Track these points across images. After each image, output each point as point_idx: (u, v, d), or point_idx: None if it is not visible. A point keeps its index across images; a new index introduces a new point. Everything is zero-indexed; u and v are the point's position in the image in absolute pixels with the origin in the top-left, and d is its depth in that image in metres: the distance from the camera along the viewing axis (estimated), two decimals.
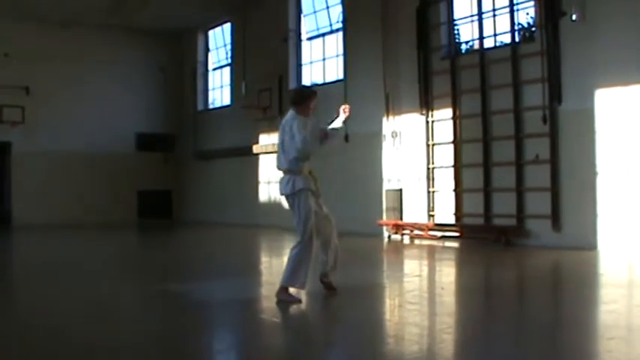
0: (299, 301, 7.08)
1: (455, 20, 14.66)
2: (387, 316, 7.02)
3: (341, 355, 5.46)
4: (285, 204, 7.57)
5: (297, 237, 7.23)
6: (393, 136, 15.47)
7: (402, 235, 14.80)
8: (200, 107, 23.57)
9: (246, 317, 6.67)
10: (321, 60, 18.32)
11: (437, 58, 14.60)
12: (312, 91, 7.65)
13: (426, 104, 14.66)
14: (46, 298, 7.69)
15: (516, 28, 13.36)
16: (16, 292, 8.70)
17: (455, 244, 13.60)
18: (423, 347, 5.44)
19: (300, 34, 18.90)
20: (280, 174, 7.48)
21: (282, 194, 7.42)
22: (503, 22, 13.49)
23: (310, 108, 7.42)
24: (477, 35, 14.06)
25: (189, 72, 23.59)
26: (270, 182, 19.61)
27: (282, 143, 7.31)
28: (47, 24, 21.09)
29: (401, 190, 15.25)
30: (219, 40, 22.87)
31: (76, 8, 20.04)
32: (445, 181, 14.38)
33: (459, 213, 14.07)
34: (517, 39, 13.33)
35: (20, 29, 20.70)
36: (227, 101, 22.20)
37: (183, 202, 23.74)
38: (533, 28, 13.22)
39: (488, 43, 13.91)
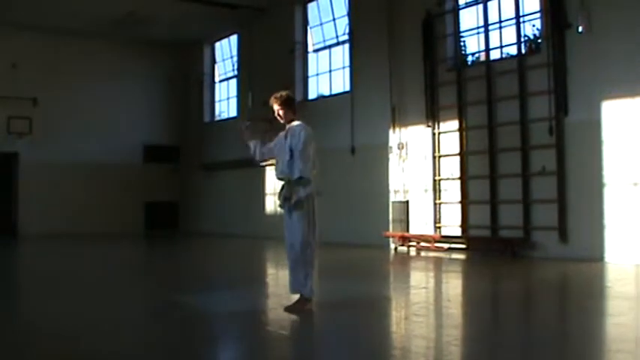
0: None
1: (461, 32, 14.69)
2: (394, 328, 7.00)
3: None
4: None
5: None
6: (399, 148, 15.47)
7: (409, 247, 14.78)
8: (207, 119, 23.63)
9: (252, 329, 6.65)
10: (328, 72, 18.36)
11: (443, 70, 14.62)
12: None
13: (432, 116, 14.67)
14: (53, 309, 7.69)
15: (522, 39, 13.37)
16: (23, 302, 8.70)
17: (461, 256, 13.56)
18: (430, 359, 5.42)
19: (306, 45, 18.95)
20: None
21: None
22: (510, 34, 13.52)
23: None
24: (483, 47, 14.07)
25: (196, 84, 23.66)
26: (276, 194, 19.58)
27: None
28: (55, 36, 21.24)
29: (407, 201, 15.24)
30: (226, 51, 22.97)
31: (84, 20, 20.18)
32: (451, 192, 14.36)
33: (465, 225, 14.04)
34: (523, 50, 13.33)
35: (28, 41, 20.87)
36: (233, 113, 22.25)
37: (190, 214, 23.75)
38: (539, 40, 13.23)
39: (495, 54, 13.92)
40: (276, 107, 7.43)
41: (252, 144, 7.74)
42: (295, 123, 7.38)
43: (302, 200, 7.17)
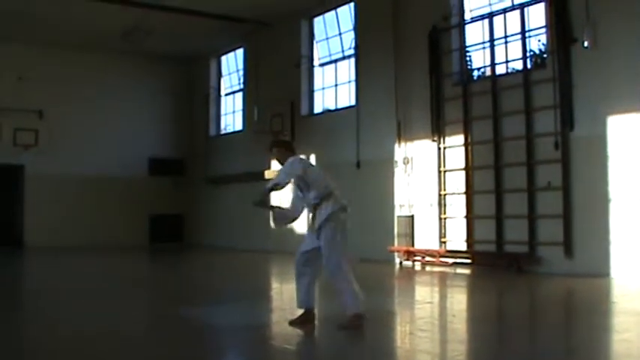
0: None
1: (467, 47, 14.70)
2: (399, 343, 6.98)
3: None
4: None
5: None
6: (404, 163, 15.46)
7: (414, 261, 14.74)
8: (212, 132, 23.66)
9: (256, 343, 6.63)
10: (333, 86, 18.40)
11: (449, 85, 14.63)
12: None
13: (438, 130, 14.66)
14: (56, 322, 7.69)
15: (528, 54, 13.40)
16: (27, 314, 8.70)
17: (466, 271, 13.52)
18: None
19: (312, 60, 19.00)
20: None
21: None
22: (515, 49, 13.51)
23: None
24: (488, 62, 14.08)
25: (202, 97, 23.71)
26: (280, 207, 19.55)
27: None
28: (60, 48, 21.36)
29: (412, 216, 15.21)
30: (232, 65, 23.03)
31: (89, 33, 20.27)
32: (457, 207, 14.33)
33: (470, 240, 14.01)
34: (529, 65, 13.34)
35: (33, 53, 21.00)
36: (239, 126, 22.28)
37: (195, 227, 23.75)
38: (545, 55, 13.24)
39: (500, 69, 13.92)
40: (274, 151, 7.82)
41: (275, 211, 8.36)
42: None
43: (326, 220, 7.28)
